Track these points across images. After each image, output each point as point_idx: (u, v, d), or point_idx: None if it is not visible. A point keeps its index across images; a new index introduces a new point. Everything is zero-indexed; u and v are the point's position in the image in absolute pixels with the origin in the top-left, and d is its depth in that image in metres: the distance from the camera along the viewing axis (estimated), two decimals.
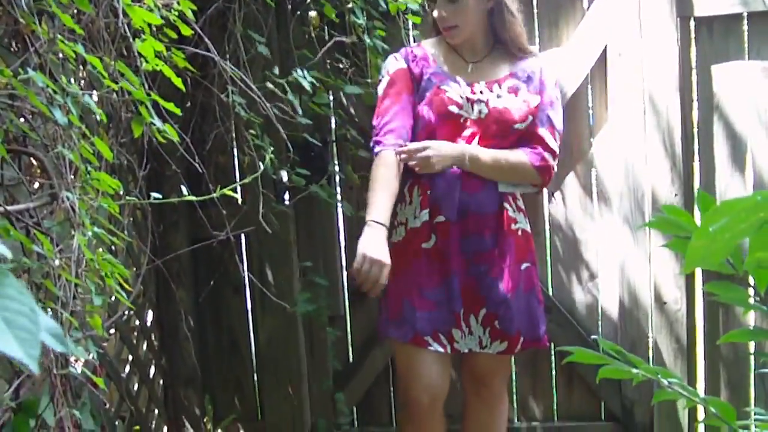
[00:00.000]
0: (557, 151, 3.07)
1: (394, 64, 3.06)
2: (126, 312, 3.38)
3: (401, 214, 3.03)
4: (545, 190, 3.49)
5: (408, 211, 3.01)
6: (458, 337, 2.96)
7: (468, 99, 2.96)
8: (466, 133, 2.96)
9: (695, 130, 3.48)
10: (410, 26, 3.57)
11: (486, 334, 2.97)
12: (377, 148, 2.96)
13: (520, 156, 2.99)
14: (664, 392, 1.23)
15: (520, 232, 3.03)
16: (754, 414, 1.47)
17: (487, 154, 2.94)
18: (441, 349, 2.96)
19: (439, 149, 2.90)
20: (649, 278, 3.53)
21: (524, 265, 3.03)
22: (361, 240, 2.81)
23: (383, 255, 2.77)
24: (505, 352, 3.01)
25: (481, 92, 2.98)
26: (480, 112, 2.95)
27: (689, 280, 3.50)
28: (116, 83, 2.14)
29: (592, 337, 3.58)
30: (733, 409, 1.19)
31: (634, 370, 1.22)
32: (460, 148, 2.93)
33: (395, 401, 3.81)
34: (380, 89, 3.06)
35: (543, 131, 3.02)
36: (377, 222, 2.82)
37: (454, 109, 2.95)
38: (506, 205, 2.98)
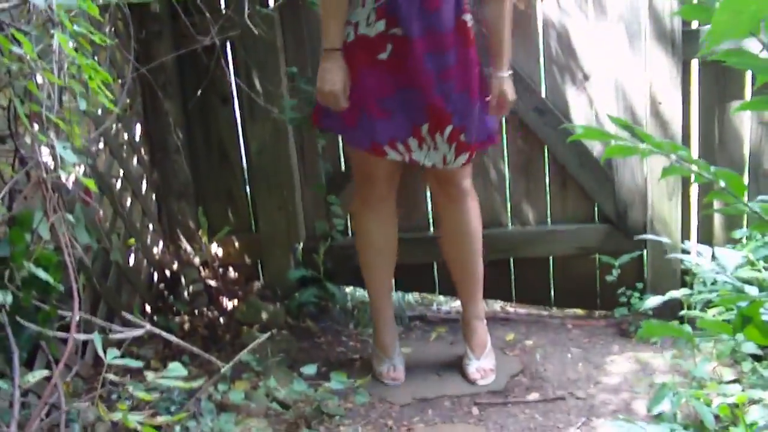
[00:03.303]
0: None
1: None
2: (114, 125, 3.33)
3: (351, 15, 2.95)
4: None
5: (360, 14, 2.93)
6: (415, 147, 3.00)
7: None
8: None
9: None
10: None
11: (451, 150, 3.01)
12: None
13: (508, 8, 3.05)
14: (673, 168, 1.20)
15: (476, 39, 3.01)
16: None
17: (507, 48, 3.07)
18: (398, 158, 3.02)
19: (511, 93, 3.09)
20: (644, 79, 3.46)
21: (477, 69, 3.02)
22: (319, 72, 2.99)
23: (335, 85, 2.94)
24: (466, 162, 3.09)
25: None
26: None
27: (685, 78, 3.44)
28: None
29: (606, 114, 3.55)
30: (742, 182, 1.16)
31: (642, 145, 1.18)
32: (507, 76, 3.07)
33: None
34: None
35: None
36: (333, 49, 2.95)
37: None
38: (465, 17, 2.95)
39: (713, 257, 1.42)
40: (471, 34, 2.97)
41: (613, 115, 1.22)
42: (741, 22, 0.95)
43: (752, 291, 1.36)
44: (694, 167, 1.19)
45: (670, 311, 3.36)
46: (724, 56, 1.14)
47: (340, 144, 3.79)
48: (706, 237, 3.61)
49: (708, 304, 3.08)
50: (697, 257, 1.38)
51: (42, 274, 2.18)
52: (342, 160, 3.82)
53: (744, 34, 0.99)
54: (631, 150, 1.19)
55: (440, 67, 2.91)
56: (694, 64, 3.45)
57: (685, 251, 2.95)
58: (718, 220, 3.60)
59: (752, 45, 1.16)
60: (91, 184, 2.06)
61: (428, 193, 3.66)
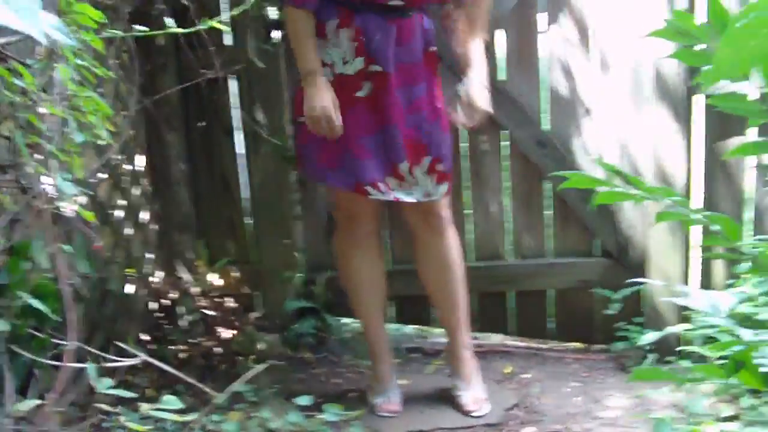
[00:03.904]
0: None
1: None
2: (116, 156, 3.34)
3: (325, 55, 2.95)
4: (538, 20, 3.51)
5: (334, 54, 2.94)
6: (395, 186, 3.01)
7: None
8: None
9: None
10: None
11: (432, 182, 3.03)
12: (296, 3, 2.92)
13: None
14: (666, 213, 1.20)
15: (438, 74, 3.08)
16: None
17: (481, 47, 3.05)
18: (380, 197, 3.02)
19: (484, 98, 3.01)
20: (646, 114, 3.47)
21: (442, 101, 3.07)
22: (304, 100, 2.90)
23: (324, 103, 2.86)
24: (447, 192, 3.11)
25: None
26: None
27: (688, 113, 3.44)
28: None
29: (594, 158, 3.55)
30: (737, 226, 1.17)
31: (633, 191, 1.19)
32: (484, 77, 3.02)
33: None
34: None
35: None
36: (312, 71, 2.89)
37: None
38: (432, 48, 3.01)
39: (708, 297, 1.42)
40: (437, 66, 3.04)
41: (605, 162, 1.23)
42: (742, 59, 0.96)
43: (746, 333, 1.36)
44: (690, 212, 1.19)
45: (668, 346, 3.36)
46: (717, 101, 1.15)
47: None
48: (707, 271, 3.59)
49: (707, 340, 3.08)
50: (694, 299, 1.38)
51: (37, 304, 2.18)
52: None
53: (746, 71, 0.99)
54: (623, 196, 1.19)
55: (410, 100, 2.96)
56: (696, 99, 3.45)
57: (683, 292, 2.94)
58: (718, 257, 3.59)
59: (749, 87, 1.17)
60: (90, 216, 2.07)
61: None
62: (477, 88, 3.00)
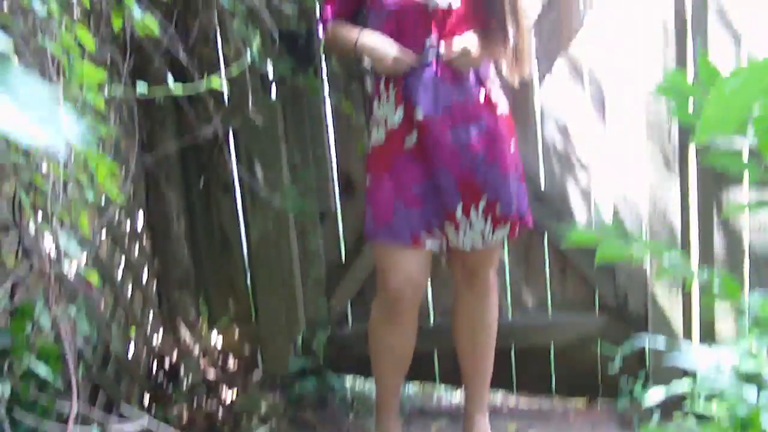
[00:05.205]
0: None
1: None
2: (117, 214, 3.35)
3: (380, 113, 2.97)
4: (536, 75, 3.49)
5: (387, 109, 2.95)
6: (452, 232, 2.94)
7: None
8: (435, 24, 2.86)
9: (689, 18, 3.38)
10: None
11: (488, 225, 2.94)
12: (328, 26, 3.04)
13: None
14: (666, 270, 1.21)
15: (504, 115, 2.99)
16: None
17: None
18: (435, 246, 2.96)
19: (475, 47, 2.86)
20: (641, 166, 3.48)
21: (512, 147, 3.00)
22: (370, 57, 2.97)
23: (388, 45, 2.88)
24: (508, 236, 3.02)
25: None
26: (450, 4, 2.85)
27: (683, 162, 3.46)
28: None
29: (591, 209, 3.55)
30: (737, 283, 1.17)
31: (634, 246, 1.19)
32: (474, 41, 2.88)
33: None
34: None
35: None
36: (357, 36, 2.94)
37: None
38: (487, 87, 2.94)
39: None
40: (497, 106, 2.96)
41: (600, 212, 1.24)
42: (730, 117, 0.98)
43: (751, 392, 1.36)
44: (688, 267, 1.20)
45: (673, 403, 3.33)
46: (714, 159, 1.16)
47: (341, 234, 3.82)
48: (708, 325, 3.57)
49: (712, 396, 3.05)
50: (695, 359, 1.38)
51: (42, 370, 2.16)
52: (343, 250, 3.83)
53: (733, 127, 1.01)
54: (623, 253, 1.20)
55: (466, 139, 2.89)
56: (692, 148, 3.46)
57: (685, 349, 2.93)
58: (720, 306, 3.56)
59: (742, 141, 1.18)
60: (93, 276, 2.07)
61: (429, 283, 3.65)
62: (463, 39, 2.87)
